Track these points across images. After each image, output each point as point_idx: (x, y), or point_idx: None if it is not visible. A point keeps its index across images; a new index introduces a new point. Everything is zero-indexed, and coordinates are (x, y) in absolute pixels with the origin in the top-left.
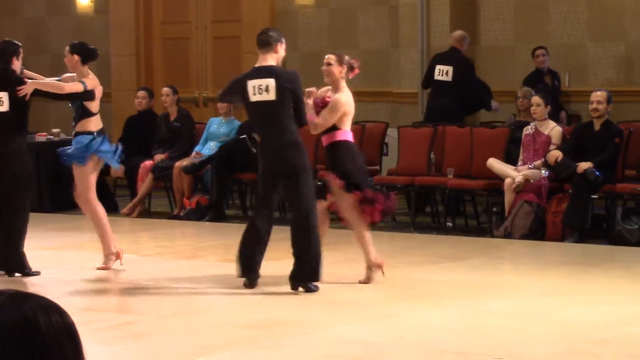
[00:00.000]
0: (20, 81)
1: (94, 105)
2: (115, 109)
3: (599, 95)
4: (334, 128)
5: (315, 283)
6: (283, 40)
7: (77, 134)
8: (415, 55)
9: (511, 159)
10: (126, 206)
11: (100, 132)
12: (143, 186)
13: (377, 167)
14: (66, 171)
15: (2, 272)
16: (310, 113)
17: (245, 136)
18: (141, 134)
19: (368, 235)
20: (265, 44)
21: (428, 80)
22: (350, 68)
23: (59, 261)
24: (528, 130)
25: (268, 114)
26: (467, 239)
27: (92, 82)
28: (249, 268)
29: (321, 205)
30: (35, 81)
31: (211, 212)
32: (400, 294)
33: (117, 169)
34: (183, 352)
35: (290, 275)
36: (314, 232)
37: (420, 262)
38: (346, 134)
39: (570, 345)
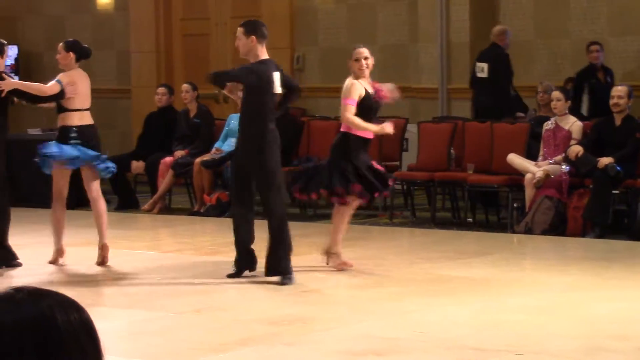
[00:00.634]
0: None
1: (69, 102)
2: (135, 105)
3: (620, 90)
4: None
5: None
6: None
7: (60, 128)
8: (434, 51)
9: (531, 154)
10: (147, 203)
11: (83, 129)
12: (163, 183)
13: (397, 163)
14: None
15: None
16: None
17: None
18: (161, 130)
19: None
20: (266, 36)
21: (472, 77)
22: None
23: (79, 257)
24: (548, 125)
25: (274, 106)
26: (487, 234)
27: (69, 78)
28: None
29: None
30: (17, 81)
31: (231, 208)
32: (420, 290)
33: (103, 176)
34: (204, 349)
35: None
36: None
37: (440, 258)
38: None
39: (591, 341)
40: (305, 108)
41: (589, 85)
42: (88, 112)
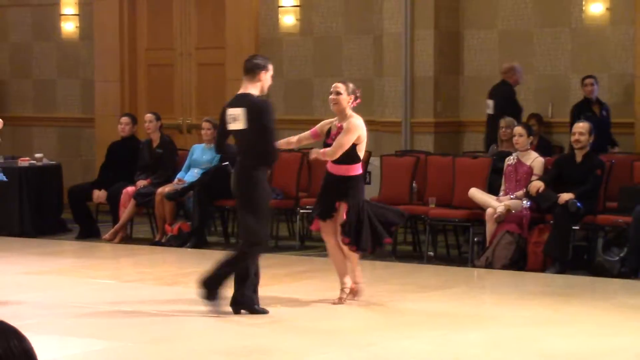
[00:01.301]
0: None
1: None
2: (98, 134)
3: (581, 127)
4: (353, 160)
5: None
6: (269, 67)
7: None
8: (399, 85)
9: (493, 189)
10: (108, 232)
11: None
12: (125, 212)
13: None
14: (47, 195)
15: None
16: (316, 149)
17: (227, 163)
18: (124, 159)
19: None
20: (248, 71)
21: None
22: (355, 97)
23: (39, 286)
24: (510, 160)
25: (241, 142)
26: (448, 268)
27: None
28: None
29: (334, 240)
30: None
31: (193, 238)
32: (379, 323)
33: None
34: None
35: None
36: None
37: (400, 291)
38: (360, 167)
39: None
40: None
41: (585, 118)
42: None
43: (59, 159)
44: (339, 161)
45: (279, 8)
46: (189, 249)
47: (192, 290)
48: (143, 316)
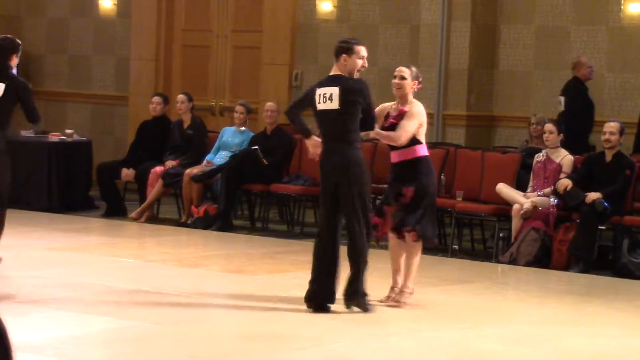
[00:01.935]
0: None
1: None
2: (131, 112)
3: (612, 126)
4: (415, 142)
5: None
6: (356, 49)
7: None
8: (433, 76)
9: (521, 185)
10: (134, 211)
11: None
12: (152, 192)
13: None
14: (76, 172)
15: None
16: (378, 130)
17: (257, 147)
18: (154, 139)
19: (417, 259)
20: (335, 53)
21: None
22: (418, 82)
23: (63, 262)
24: (539, 157)
25: (332, 123)
26: (472, 262)
27: None
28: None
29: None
30: None
31: (218, 221)
32: (400, 315)
33: None
34: None
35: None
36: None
37: (423, 284)
38: (425, 148)
39: None
40: None
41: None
42: None
43: (91, 136)
44: (401, 147)
45: None
46: (214, 232)
47: (212, 273)
48: (163, 297)
